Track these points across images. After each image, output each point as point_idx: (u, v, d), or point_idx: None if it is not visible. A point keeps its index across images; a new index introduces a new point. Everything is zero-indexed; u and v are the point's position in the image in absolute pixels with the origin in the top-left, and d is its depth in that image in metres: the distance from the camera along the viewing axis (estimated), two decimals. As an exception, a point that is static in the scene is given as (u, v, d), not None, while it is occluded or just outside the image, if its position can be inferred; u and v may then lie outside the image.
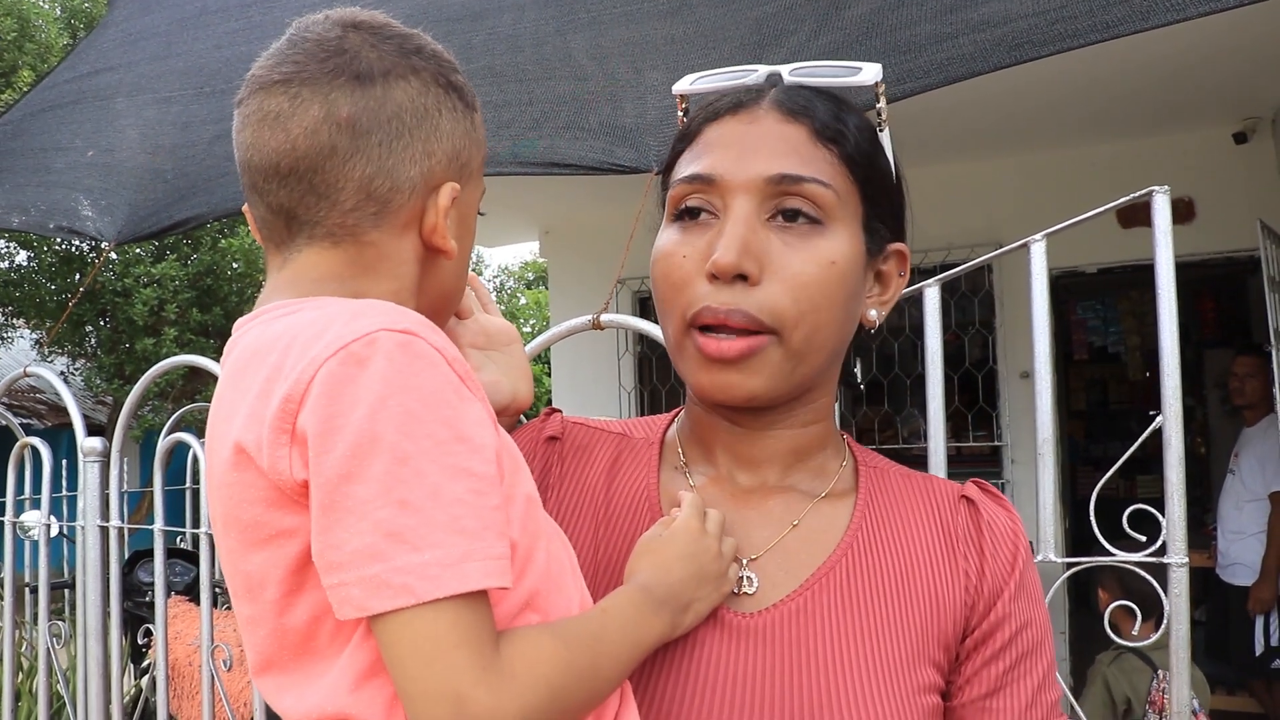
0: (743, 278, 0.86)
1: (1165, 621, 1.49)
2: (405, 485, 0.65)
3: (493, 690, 0.64)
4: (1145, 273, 1.52)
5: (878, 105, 0.97)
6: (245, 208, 0.87)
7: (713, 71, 1.00)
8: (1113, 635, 1.64)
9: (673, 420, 1.07)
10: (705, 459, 1.00)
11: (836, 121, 0.92)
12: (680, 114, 1.03)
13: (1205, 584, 5.35)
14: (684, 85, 1.01)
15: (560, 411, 1.11)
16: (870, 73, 0.96)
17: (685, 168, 0.93)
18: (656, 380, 6.13)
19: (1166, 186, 1.50)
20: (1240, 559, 4.96)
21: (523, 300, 22.42)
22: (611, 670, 0.74)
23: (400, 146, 0.80)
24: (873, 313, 0.98)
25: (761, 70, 0.97)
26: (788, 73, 0.96)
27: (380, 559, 0.64)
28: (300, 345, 0.70)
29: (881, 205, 0.96)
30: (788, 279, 0.87)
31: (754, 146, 0.90)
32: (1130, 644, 1.65)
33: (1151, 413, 1.53)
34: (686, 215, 0.92)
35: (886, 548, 0.94)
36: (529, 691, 0.66)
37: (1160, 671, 3.44)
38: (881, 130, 0.97)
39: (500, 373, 1.03)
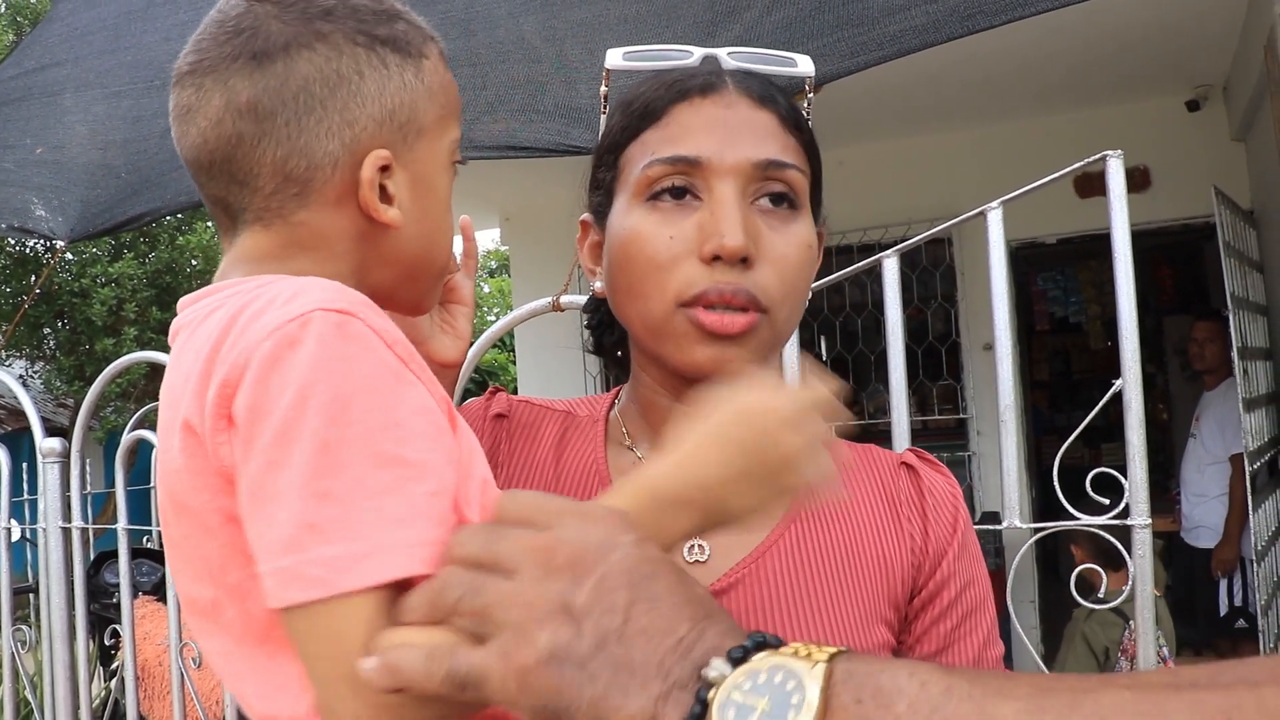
0: (743, 260, 0.88)
1: (1130, 582, 1.51)
2: (327, 475, 0.63)
3: (351, 698, 0.63)
4: (1104, 242, 1.54)
5: (808, 95, 1.01)
6: None
7: (644, 48, 1.01)
8: (1078, 598, 1.66)
9: (613, 401, 1.07)
10: (652, 438, 1.00)
11: (794, 111, 0.95)
12: (603, 87, 1.03)
13: (1170, 548, 5.43)
14: (615, 60, 1.02)
15: (504, 389, 1.11)
16: (805, 65, 1.00)
17: (661, 148, 0.92)
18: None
19: (1120, 151, 1.52)
20: (1203, 522, 5.03)
21: (486, 289, 22.33)
22: None
23: (312, 121, 0.76)
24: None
25: (696, 53, 0.98)
26: (725, 55, 0.98)
27: (295, 550, 0.62)
28: (239, 327, 0.68)
29: (820, 190, 1.00)
30: (776, 261, 0.89)
31: (736, 131, 0.91)
32: (1097, 605, 1.67)
33: (1114, 380, 1.54)
34: (667, 195, 0.91)
35: (833, 515, 0.97)
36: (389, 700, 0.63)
37: (1130, 622, 3.52)
38: (809, 119, 1.00)
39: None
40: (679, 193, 0.91)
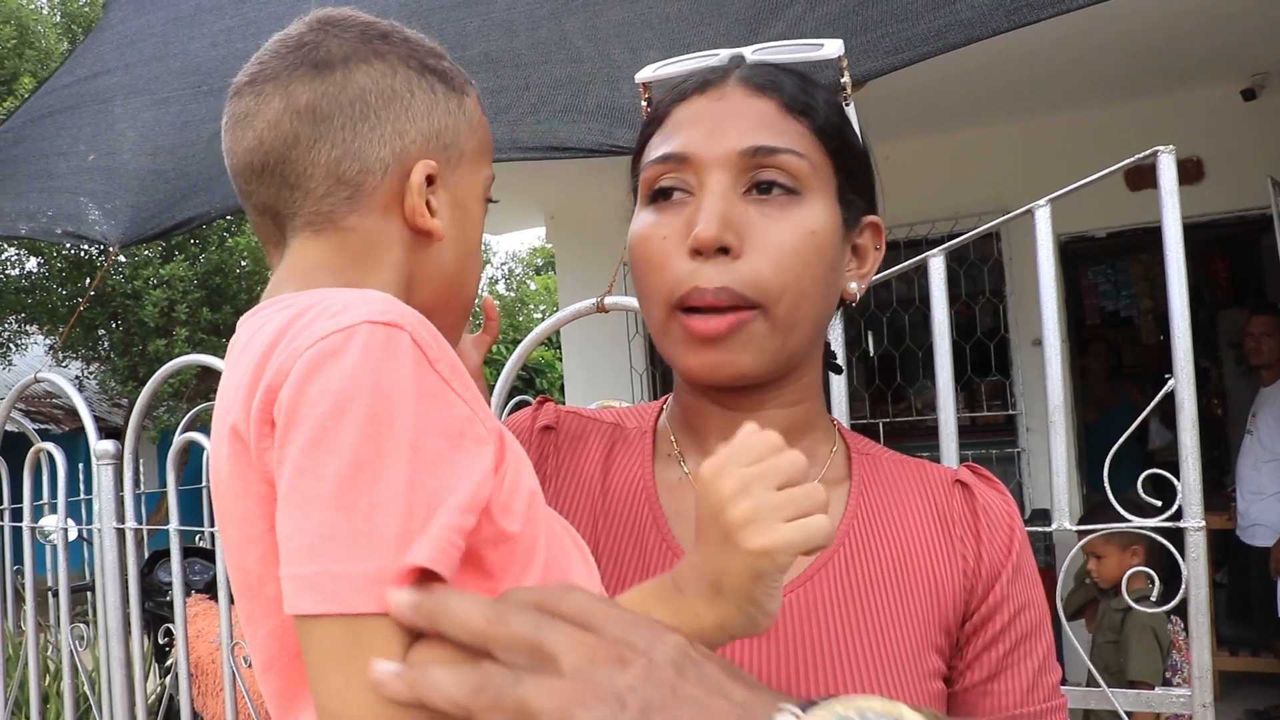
0: (724, 251, 0.86)
1: (1184, 586, 1.49)
2: (355, 490, 0.62)
3: (359, 713, 0.62)
4: (1155, 235, 1.51)
5: (842, 80, 0.99)
6: None
7: (676, 59, 1.00)
8: (1131, 602, 1.63)
9: (662, 408, 1.06)
10: (698, 447, 0.99)
11: (804, 94, 0.92)
12: (644, 103, 1.03)
13: (1226, 546, 5.33)
14: (647, 73, 1.02)
15: (551, 399, 1.10)
16: (832, 47, 0.97)
17: (656, 149, 0.93)
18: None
19: (1171, 146, 1.49)
20: (1260, 520, 4.94)
21: (533, 286, 22.43)
22: None
23: (366, 128, 0.80)
24: (853, 285, 0.98)
25: (724, 54, 0.97)
26: (750, 53, 0.97)
27: (316, 559, 0.62)
28: (290, 335, 0.68)
29: (855, 177, 0.96)
30: (769, 249, 0.87)
31: (723, 121, 0.90)
32: (1153, 608, 1.64)
33: (1166, 375, 1.52)
34: (661, 196, 0.91)
35: (884, 535, 0.94)
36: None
37: (1173, 616, 3.50)
38: (847, 104, 0.98)
39: None
40: (667, 192, 0.91)
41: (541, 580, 0.73)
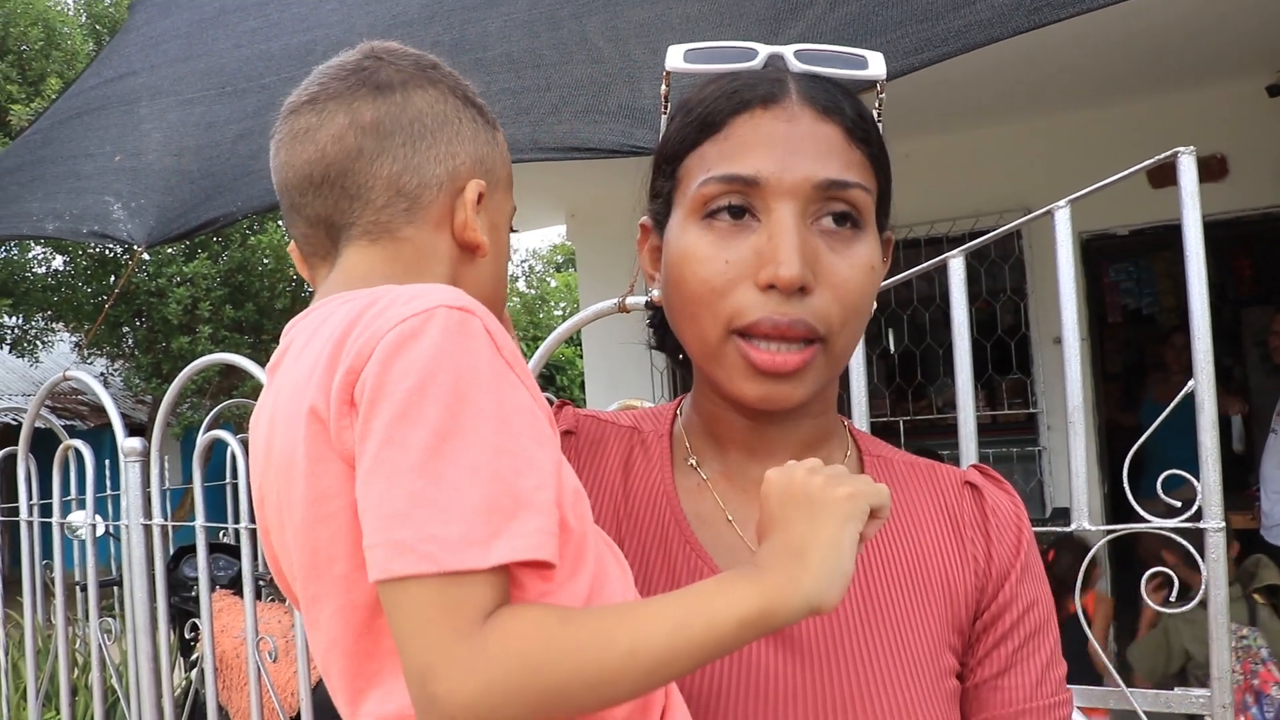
0: (800, 288, 0.85)
1: (1204, 586, 1.49)
2: (442, 460, 0.66)
3: (455, 664, 0.64)
4: (1178, 233, 1.51)
5: (880, 96, 0.98)
6: (291, 248, 0.93)
7: (704, 45, 0.96)
8: (1150, 602, 1.63)
9: (676, 411, 1.06)
10: (716, 454, 0.99)
11: (862, 120, 0.91)
12: (664, 87, 1.00)
13: (1250, 546, 5.29)
14: (675, 61, 0.97)
15: (570, 403, 1.11)
16: (876, 67, 0.95)
17: (718, 165, 0.88)
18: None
19: (1192, 147, 1.48)
20: (1284, 519, 4.89)
21: (553, 284, 22.46)
22: (634, 651, 0.67)
23: (424, 146, 0.86)
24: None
25: (761, 52, 0.94)
26: (791, 55, 0.93)
27: (408, 525, 0.65)
28: (364, 322, 0.72)
29: (886, 200, 0.96)
30: (837, 286, 0.87)
31: (796, 147, 0.87)
32: (1171, 609, 1.64)
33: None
34: (726, 214, 0.88)
35: (898, 538, 0.96)
36: (494, 666, 0.64)
37: (1232, 624, 3.46)
38: (879, 120, 0.97)
39: None
40: (737, 211, 0.88)
41: (591, 580, 0.75)
